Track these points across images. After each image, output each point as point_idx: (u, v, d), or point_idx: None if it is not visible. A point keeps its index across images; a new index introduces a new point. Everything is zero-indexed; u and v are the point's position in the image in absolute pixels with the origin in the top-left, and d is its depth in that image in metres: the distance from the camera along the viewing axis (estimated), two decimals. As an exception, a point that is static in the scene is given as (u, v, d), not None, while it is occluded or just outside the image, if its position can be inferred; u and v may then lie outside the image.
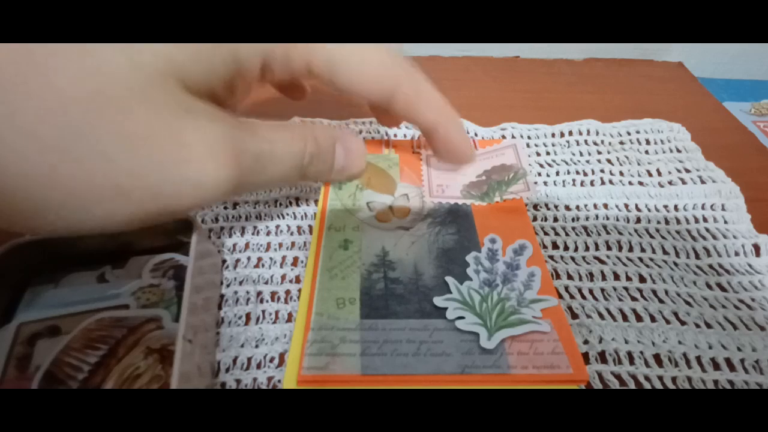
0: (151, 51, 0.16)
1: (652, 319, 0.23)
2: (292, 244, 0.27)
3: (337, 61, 0.20)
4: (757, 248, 0.27)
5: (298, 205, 0.29)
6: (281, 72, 0.20)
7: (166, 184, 0.16)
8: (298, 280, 0.25)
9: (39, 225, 0.16)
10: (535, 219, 0.28)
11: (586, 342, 0.22)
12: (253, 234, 0.27)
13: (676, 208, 0.29)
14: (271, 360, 0.22)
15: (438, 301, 0.21)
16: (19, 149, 0.14)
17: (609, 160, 0.33)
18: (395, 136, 0.35)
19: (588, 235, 0.28)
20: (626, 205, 0.29)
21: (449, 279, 0.22)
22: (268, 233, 0.28)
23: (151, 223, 0.17)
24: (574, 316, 0.23)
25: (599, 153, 0.34)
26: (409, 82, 0.22)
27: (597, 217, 0.28)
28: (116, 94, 0.15)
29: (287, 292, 0.24)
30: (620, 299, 0.24)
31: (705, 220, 0.28)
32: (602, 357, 0.22)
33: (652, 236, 0.27)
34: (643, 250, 0.26)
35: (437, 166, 0.29)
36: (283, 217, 0.28)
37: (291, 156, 0.20)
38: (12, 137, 0.14)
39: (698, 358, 0.22)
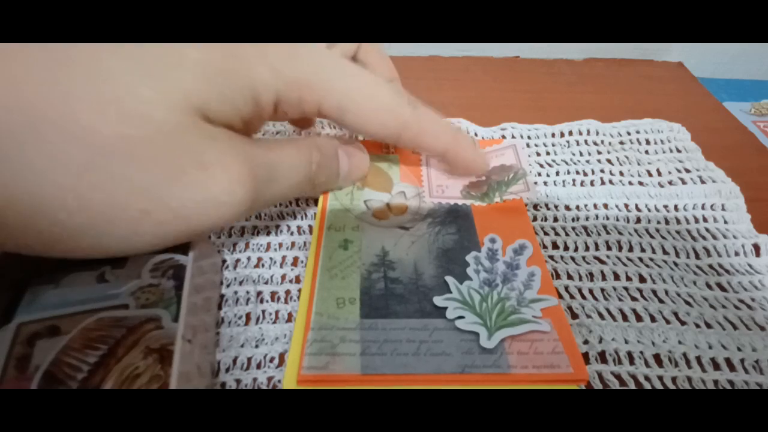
0: (180, 90, 0.16)
1: (652, 319, 0.23)
2: (292, 244, 0.27)
3: (346, 107, 0.21)
4: (757, 248, 0.27)
5: (298, 205, 0.29)
6: (294, 112, 0.21)
7: (188, 202, 0.17)
8: (298, 280, 0.25)
9: (67, 248, 0.16)
10: (535, 219, 0.28)
11: (586, 342, 0.22)
12: (253, 234, 0.27)
13: (676, 208, 0.29)
14: (271, 360, 0.22)
15: (438, 300, 0.21)
16: (51, 177, 0.14)
17: (609, 160, 0.33)
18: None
19: (588, 235, 0.27)
20: (626, 205, 0.29)
21: (449, 279, 0.22)
22: (268, 233, 0.28)
23: (175, 243, 0.18)
24: (574, 316, 0.23)
25: (599, 153, 0.34)
26: (414, 121, 0.22)
27: (597, 217, 0.28)
28: (149, 135, 0.15)
29: (287, 292, 0.24)
30: (620, 299, 0.24)
31: (705, 220, 0.28)
32: (602, 357, 0.22)
33: (652, 236, 0.27)
34: (643, 250, 0.26)
35: (437, 166, 0.29)
36: (283, 217, 0.28)
37: (299, 166, 0.21)
38: (49, 170, 0.14)
39: (698, 358, 0.22)
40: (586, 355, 0.22)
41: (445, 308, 0.21)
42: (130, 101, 0.15)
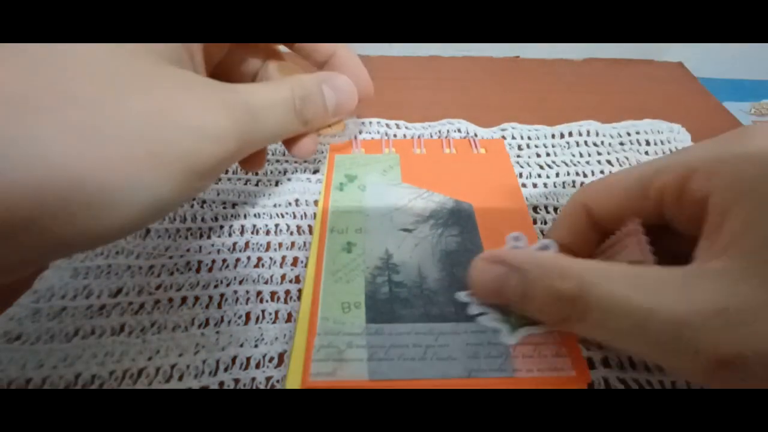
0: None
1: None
2: (292, 244, 0.27)
3: None
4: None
5: (297, 205, 0.29)
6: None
7: (183, 138, 0.17)
8: (297, 280, 0.25)
9: (99, 220, 0.16)
10: (535, 221, 0.28)
11: (588, 348, 0.22)
12: (252, 233, 0.27)
13: (676, 209, 0.29)
14: (270, 360, 0.22)
15: (461, 296, 0.21)
16: (70, 144, 0.15)
17: (609, 161, 0.33)
18: (395, 136, 0.35)
19: (588, 236, 0.27)
20: (626, 207, 0.29)
21: None
22: (268, 233, 0.27)
23: (181, 193, 0.18)
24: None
25: (599, 154, 0.34)
26: None
27: (597, 218, 0.28)
28: (127, 77, 0.16)
29: (287, 292, 0.24)
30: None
31: (705, 221, 0.28)
32: (605, 362, 0.22)
33: (652, 238, 0.27)
34: (643, 251, 0.26)
35: None
36: (283, 217, 0.28)
37: (281, 102, 0.22)
38: (63, 137, 0.14)
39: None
40: (590, 360, 0.22)
41: (467, 304, 0.21)
42: (110, 60, 0.16)
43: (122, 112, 0.16)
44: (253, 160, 0.26)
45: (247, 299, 0.24)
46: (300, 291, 0.24)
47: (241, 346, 0.22)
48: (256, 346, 0.22)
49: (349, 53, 0.27)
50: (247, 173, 0.31)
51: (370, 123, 0.36)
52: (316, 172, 0.32)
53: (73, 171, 0.14)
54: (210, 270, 0.25)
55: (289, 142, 0.26)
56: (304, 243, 0.27)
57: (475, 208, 0.26)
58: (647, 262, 0.19)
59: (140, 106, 0.16)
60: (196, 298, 0.24)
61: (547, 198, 0.30)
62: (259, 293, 0.24)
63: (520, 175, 0.32)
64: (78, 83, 0.15)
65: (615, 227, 0.20)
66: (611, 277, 0.16)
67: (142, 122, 0.16)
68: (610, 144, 0.35)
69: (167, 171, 0.17)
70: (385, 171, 0.29)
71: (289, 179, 0.31)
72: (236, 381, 0.21)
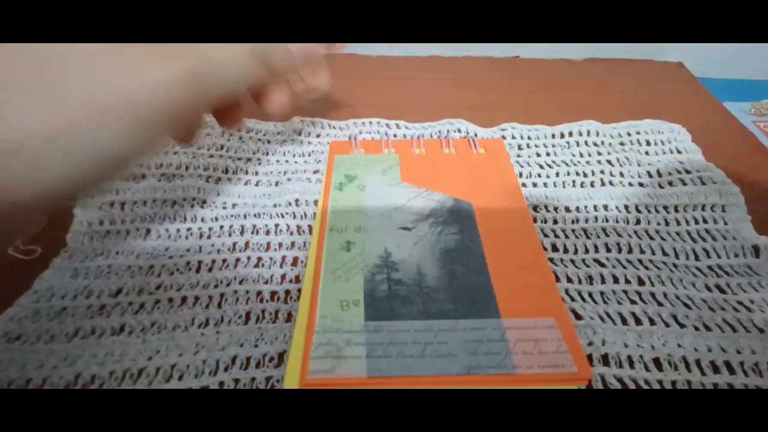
0: None
1: (651, 322, 0.23)
2: (292, 244, 0.27)
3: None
4: (756, 250, 0.27)
5: (297, 205, 0.29)
6: None
7: (126, 84, 0.17)
8: (297, 279, 0.25)
9: (44, 171, 0.16)
10: (535, 221, 0.28)
11: (590, 344, 0.22)
12: (252, 233, 0.27)
13: (676, 209, 0.29)
14: (270, 360, 0.22)
15: None
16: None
17: (609, 161, 0.33)
18: (395, 136, 0.35)
19: (588, 237, 0.27)
20: (626, 207, 0.29)
21: None
22: (268, 233, 0.28)
23: (140, 143, 0.18)
24: (579, 317, 0.23)
25: (599, 154, 0.34)
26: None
27: (597, 219, 0.28)
28: None
29: (287, 291, 0.24)
30: (619, 302, 0.24)
31: (705, 221, 0.28)
32: (605, 360, 0.22)
33: (651, 237, 0.27)
34: (642, 251, 0.26)
35: None
36: (283, 217, 0.28)
37: (240, 46, 0.21)
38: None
39: (698, 362, 0.22)
40: (590, 357, 0.22)
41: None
42: None
43: (61, 65, 0.16)
44: (227, 116, 0.25)
45: (247, 299, 0.24)
46: (300, 291, 0.24)
47: (241, 345, 0.22)
48: (256, 345, 0.22)
49: None
50: (247, 173, 0.31)
51: (370, 123, 0.36)
52: (316, 172, 0.32)
53: (13, 126, 0.15)
54: (210, 270, 0.25)
55: (261, 97, 0.25)
56: (304, 243, 0.27)
57: (474, 207, 0.26)
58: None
59: (79, 57, 0.16)
60: (196, 298, 0.24)
61: (547, 198, 0.30)
62: (259, 293, 0.24)
63: (520, 174, 0.32)
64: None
65: None
66: None
67: (83, 72, 0.16)
68: (610, 144, 0.35)
69: (109, 118, 0.16)
70: (384, 171, 0.29)
71: (289, 179, 0.31)
72: (236, 381, 0.21)
